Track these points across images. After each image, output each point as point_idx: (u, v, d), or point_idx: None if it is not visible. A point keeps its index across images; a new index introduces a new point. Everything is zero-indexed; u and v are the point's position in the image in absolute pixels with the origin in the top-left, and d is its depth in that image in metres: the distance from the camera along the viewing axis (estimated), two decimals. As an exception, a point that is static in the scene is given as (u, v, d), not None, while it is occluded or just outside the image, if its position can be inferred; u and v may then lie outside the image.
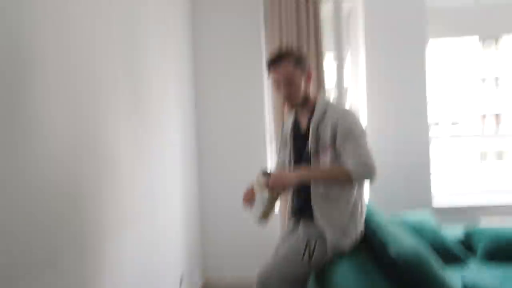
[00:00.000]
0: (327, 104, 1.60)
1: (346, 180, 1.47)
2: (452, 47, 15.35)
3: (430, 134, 2.76)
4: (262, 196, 1.52)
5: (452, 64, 16.16)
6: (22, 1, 1.05)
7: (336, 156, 1.52)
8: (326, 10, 2.66)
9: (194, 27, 2.82)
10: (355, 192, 1.57)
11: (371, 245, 1.56)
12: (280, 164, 1.83)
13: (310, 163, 1.57)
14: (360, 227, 1.59)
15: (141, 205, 1.83)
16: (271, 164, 2.84)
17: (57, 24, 1.21)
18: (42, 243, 1.09)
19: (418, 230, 2.02)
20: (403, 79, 2.71)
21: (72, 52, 1.30)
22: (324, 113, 1.56)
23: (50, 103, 1.16)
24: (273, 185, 1.48)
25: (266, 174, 1.52)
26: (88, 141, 1.37)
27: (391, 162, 2.69)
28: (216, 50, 2.82)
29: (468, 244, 2.20)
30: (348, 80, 2.91)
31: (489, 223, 2.44)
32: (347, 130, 1.49)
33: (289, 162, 1.71)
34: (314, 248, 1.51)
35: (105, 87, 1.52)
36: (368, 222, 1.62)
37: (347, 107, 1.66)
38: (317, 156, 1.55)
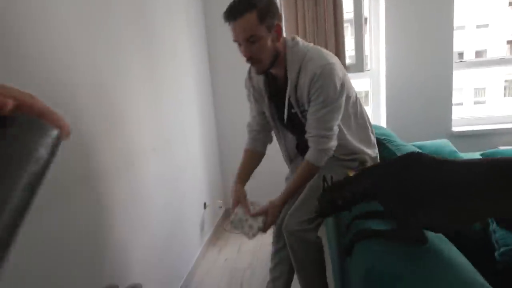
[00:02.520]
0: (300, 60, 1.34)
1: (315, 171, 1.40)
2: None
3: (454, 61, 2.67)
4: (256, 222, 1.43)
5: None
6: None
7: None
8: None
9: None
10: (357, 112, 1.48)
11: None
12: (259, 117, 1.61)
13: (298, 122, 1.45)
14: (372, 139, 1.53)
15: (161, 139, 1.91)
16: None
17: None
18: (73, 165, 1.18)
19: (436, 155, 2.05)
20: (427, 7, 2.56)
21: (91, 20, 1.29)
22: (299, 72, 1.34)
23: (64, 41, 1.19)
24: (273, 223, 1.41)
25: (253, 202, 1.47)
26: (102, 79, 1.42)
27: (411, 92, 2.66)
28: None
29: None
30: (367, 12, 2.78)
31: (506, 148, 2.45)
32: (318, 100, 1.31)
33: (273, 119, 1.56)
34: (332, 180, 1.49)
35: (115, 23, 1.52)
36: (386, 147, 1.66)
37: (321, 61, 1.32)
38: (305, 118, 1.41)
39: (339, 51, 2.59)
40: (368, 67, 2.89)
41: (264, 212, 1.43)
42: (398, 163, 1.03)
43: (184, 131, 2.27)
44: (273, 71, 1.43)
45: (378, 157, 1.56)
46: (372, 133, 1.56)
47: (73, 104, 1.18)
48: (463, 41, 15.29)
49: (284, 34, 2.67)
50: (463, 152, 2.34)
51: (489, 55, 15.76)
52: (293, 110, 1.42)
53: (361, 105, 1.53)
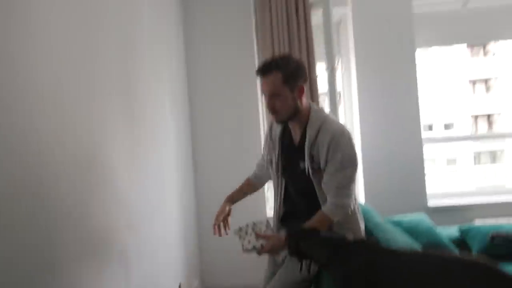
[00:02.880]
0: (322, 121, 1.49)
1: (328, 223, 1.47)
2: (442, 54, 15.63)
3: (423, 136, 2.80)
4: (255, 241, 1.48)
5: (442, 69, 16.46)
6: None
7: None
8: (316, 18, 2.70)
9: (186, 31, 2.86)
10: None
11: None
12: (264, 165, 1.73)
13: (304, 178, 1.51)
14: (361, 220, 1.58)
15: (137, 214, 1.84)
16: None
17: (53, 30, 1.25)
18: (42, 248, 1.11)
19: (413, 231, 2.05)
20: (394, 84, 2.76)
21: (68, 61, 1.33)
22: (318, 131, 1.48)
23: (47, 114, 1.19)
24: (268, 252, 1.48)
25: (268, 225, 1.54)
26: (83, 152, 1.40)
27: (385, 165, 2.73)
28: (209, 56, 2.87)
29: (463, 243, 2.24)
30: (340, 86, 2.96)
31: (483, 223, 2.49)
32: (336, 159, 1.43)
33: (277, 171, 1.63)
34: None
35: (100, 96, 1.55)
36: (365, 223, 1.65)
37: (341, 126, 1.52)
38: (314, 175, 1.49)
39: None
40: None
41: (268, 238, 1.47)
42: (348, 250, 1.11)
43: (162, 205, 2.21)
44: (292, 126, 1.57)
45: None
46: (361, 218, 1.59)
47: (48, 178, 1.14)
48: (432, 115, 16.29)
49: (264, 107, 2.79)
50: (440, 226, 2.35)
51: (456, 128, 16.77)
52: (302, 165, 1.51)
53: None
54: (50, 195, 1.16)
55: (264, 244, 1.45)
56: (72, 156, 1.29)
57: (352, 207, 1.49)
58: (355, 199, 1.59)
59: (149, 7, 2.20)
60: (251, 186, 1.84)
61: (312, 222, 1.45)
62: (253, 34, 2.85)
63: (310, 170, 1.49)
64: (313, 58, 2.66)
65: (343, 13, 2.92)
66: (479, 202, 2.77)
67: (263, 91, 1.53)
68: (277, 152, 1.63)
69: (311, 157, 1.48)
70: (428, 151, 2.87)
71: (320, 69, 2.74)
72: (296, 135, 1.57)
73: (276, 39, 2.64)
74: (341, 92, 3.02)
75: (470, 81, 17.47)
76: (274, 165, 1.64)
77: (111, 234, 1.53)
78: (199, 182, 2.89)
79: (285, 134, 1.62)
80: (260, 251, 1.46)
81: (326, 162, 1.45)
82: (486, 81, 17.83)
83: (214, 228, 1.62)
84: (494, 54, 17.20)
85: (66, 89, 1.29)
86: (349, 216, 1.52)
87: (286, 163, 1.60)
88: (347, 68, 2.96)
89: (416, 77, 2.77)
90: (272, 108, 1.49)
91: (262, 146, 1.80)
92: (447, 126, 16.89)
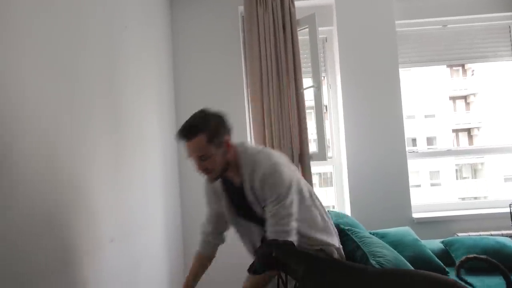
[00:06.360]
0: (252, 163, 1.47)
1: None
2: (423, 74, 16.24)
3: (407, 150, 2.87)
4: None
5: (424, 87, 17.06)
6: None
7: None
8: (303, 34, 2.77)
9: (175, 40, 2.89)
10: (315, 204, 1.57)
11: (353, 259, 1.60)
12: (215, 219, 1.69)
13: (256, 218, 1.52)
14: (331, 236, 1.56)
15: (121, 227, 1.82)
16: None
17: (39, 47, 1.25)
18: (17, 264, 1.08)
19: (399, 244, 2.08)
20: (379, 99, 2.83)
21: (50, 73, 1.33)
22: (253, 172, 1.45)
23: (28, 126, 1.18)
24: None
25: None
26: (64, 162, 1.39)
27: (370, 179, 2.78)
28: (196, 68, 2.88)
29: (447, 255, 2.28)
30: (326, 101, 3.02)
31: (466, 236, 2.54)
32: (272, 197, 1.42)
33: (234, 218, 1.61)
34: (286, 276, 1.42)
35: (83, 107, 1.54)
36: (351, 238, 1.67)
37: (270, 162, 1.46)
38: (263, 214, 1.48)
39: (302, 140, 2.72)
40: (330, 155, 3.03)
41: None
42: (320, 267, 1.17)
43: (146, 218, 2.18)
44: (228, 175, 1.53)
45: (341, 247, 1.58)
46: (331, 224, 1.59)
47: (26, 189, 1.13)
48: (415, 129, 16.70)
49: (251, 122, 2.81)
50: (424, 239, 2.39)
51: (438, 142, 17.20)
52: (253, 207, 1.49)
53: (317, 198, 1.60)
54: (25, 209, 1.14)
55: None
56: (51, 168, 1.28)
57: (296, 230, 1.44)
58: (326, 213, 1.60)
59: (136, 15, 2.21)
60: (205, 260, 1.67)
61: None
62: (241, 49, 2.90)
63: (259, 210, 1.48)
64: (300, 73, 2.71)
65: (329, 30, 2.99)
66: (460, 214, 2.82)
67: (189, 155, 1.44)
68: (225, 203, 1.60)
69: (257, 199, 1.47)
70: (412, 164, 2.94)
71: (307, 84, 2.79)
72: (236, 180, 1.54)
73: (264, 55, 2.68)
74: (328, 106, 3.07)
75: (451, 98, 18.12)
76: (228, 215, 1.62)
77: (92, 247, 1.51)
78: (184, 195, 2.87)
79: (226, 183, 1.58)
80: None
81: (265, 200, 1.45)
82: (465, 97, 18.53)
83: None
84: (473, 74, 17.91)
85: (47, 99, 1.29)
86: (319, 233, 1.52)
87: (239, 209, 1.58)
88: (333, 83, 3.02)
89: (400, 93, 2.84)
90: (204, 170, 1.45)
91: (207, 205, 1.71)
92: (429, 140, 17.32)
